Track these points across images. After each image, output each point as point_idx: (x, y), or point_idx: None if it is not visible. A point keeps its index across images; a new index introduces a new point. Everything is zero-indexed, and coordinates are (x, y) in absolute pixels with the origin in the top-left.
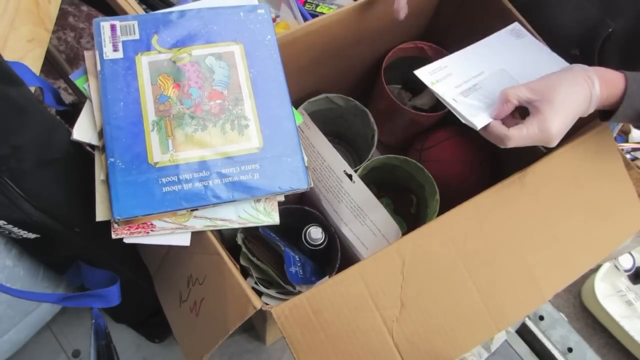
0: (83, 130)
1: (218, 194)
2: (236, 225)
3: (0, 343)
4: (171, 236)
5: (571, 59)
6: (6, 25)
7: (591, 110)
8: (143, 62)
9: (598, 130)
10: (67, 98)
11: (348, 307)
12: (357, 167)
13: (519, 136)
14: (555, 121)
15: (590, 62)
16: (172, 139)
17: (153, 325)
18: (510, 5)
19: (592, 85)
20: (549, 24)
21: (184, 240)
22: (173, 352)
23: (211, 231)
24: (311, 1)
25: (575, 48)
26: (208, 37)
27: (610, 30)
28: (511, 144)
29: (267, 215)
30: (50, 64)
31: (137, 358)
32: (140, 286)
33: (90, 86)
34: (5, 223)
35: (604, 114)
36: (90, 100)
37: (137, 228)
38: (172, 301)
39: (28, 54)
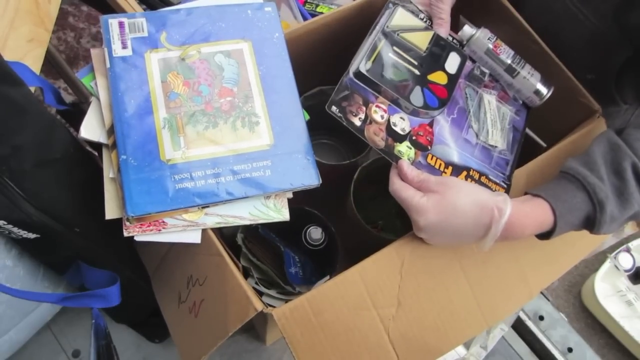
0: (91, 129)
1: (231, 190)
2: (247, 222)
3: (0, 343)
4: (182, 234)
5: (587, 83)
6: (6, 25)
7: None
8: (152, 59)
9: (594, 126)
10: (67, 98)
11: (347, 307)
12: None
13: (401, 188)
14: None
15: (607, 87)
16: (184, 136)
17: (153, 325)
18: (510, 6)
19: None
20: (564, 47)
21: (194, 237)
22: (173, 352)
23: (213, 232)
24: (311, 1)
25: (591, 72)
26: (217, 35)
27: (628, 55)
28: (392, 187)
29: (277, 211)
30: (50, 64)
31: (137, 358)
32: (141, 286)
33: (98, 84)
34: (5, 223)
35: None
36: (98, 99)
37: (148, 226)
38: (171, 302)
39: (28, 54)
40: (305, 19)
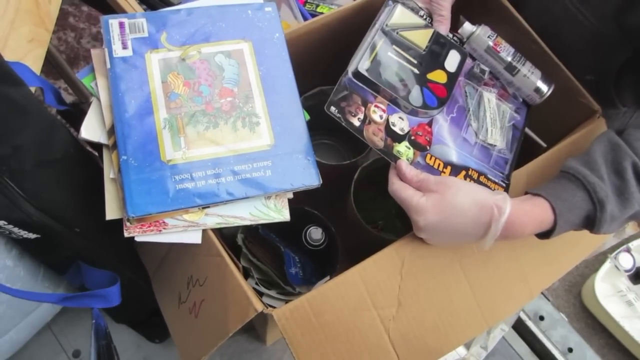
0: (91, 130)
1: (231, 191)
2: (247, 222)
3: (1, 343)
4: (183, 234)
5: (586, 84)
6: (6, 25)
7: (489, 239)
8: (153, 59)
9: (594, 127)
10: (67, 98)
11: (347, 308)
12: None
13: (400, 188)
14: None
15: (606, 88)
16: (184, 137)
17: (153, 325)
18: (510, 6)
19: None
20: (564, 47)
21: (195, 238)
22: (173, 352)
23: (213, 232)
24: (311, 1)
25: (591, 74)
26: (217, 35)
27: (628, 56)
28: (391, 187)
29: (277, 212)
30: (50, 64)
31: (137, 358)
32: (141, 286)
33: (98, 84)
34: (6, 223)
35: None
36: (98, 99)
37: (149, 226)
38: (171, 302)
39: (28, 54)
40: (305, 19)
